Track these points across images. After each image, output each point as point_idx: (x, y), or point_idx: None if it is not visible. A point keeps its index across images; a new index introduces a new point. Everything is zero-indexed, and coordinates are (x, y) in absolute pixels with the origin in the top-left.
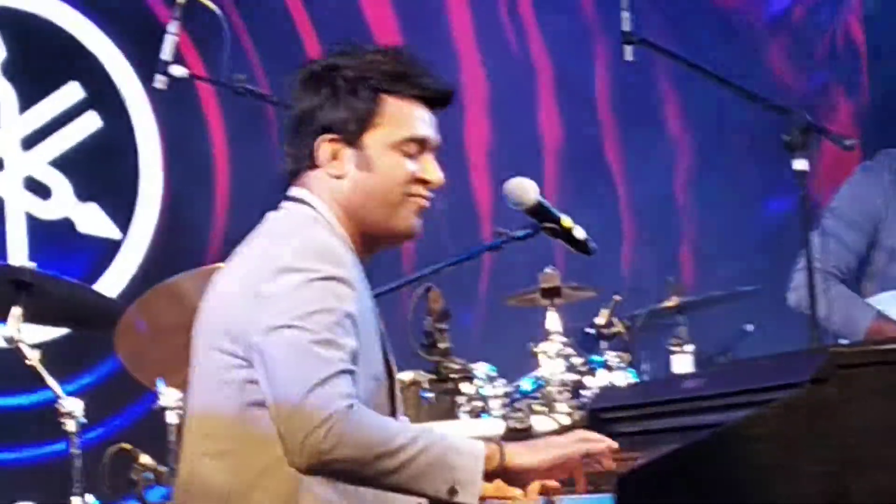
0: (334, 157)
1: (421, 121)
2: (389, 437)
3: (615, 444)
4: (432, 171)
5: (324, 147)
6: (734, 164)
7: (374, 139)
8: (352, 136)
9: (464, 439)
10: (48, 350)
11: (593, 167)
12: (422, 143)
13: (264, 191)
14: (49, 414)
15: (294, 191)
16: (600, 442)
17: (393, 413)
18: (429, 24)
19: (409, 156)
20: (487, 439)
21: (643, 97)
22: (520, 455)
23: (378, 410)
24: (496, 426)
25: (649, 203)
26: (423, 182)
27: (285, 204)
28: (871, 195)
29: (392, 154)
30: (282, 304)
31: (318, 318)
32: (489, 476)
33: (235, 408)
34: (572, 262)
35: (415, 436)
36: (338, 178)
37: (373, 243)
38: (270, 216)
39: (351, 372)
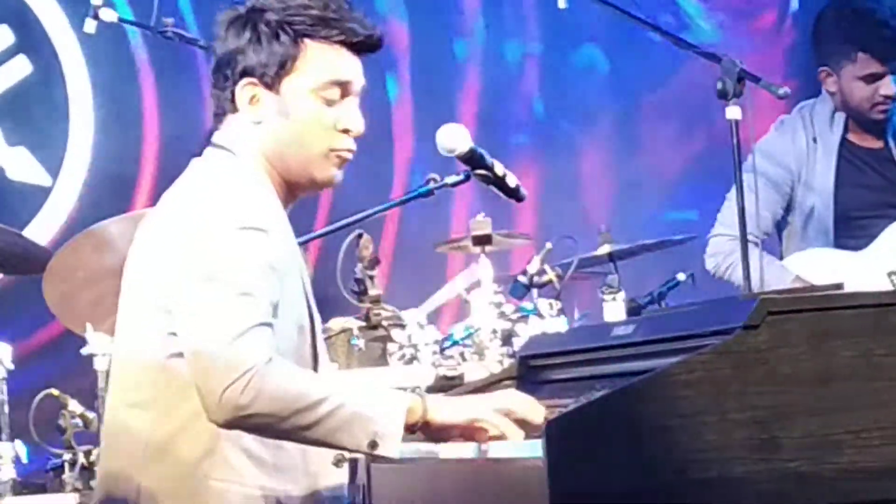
0: (252, 101)
1: (343, 65)
2: (308, 391)
3: (540, 413)
4: (353, 119)
5: (244, 91)
6: (667, 113)
7: (292, 85)
8: (271, 80)
9: (386, 391)
10: None
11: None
12: (343, 87)
13: (194, 137)
14: None
15: (218, 136)
16: (525, 405)
17: (315, 362)
18: None
19: (330, 102)
20: (413, 391)
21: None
22: (442, 410)
23: (301, 360)
24: (427, 374)
25: (582, 150)
26: (345, 131)
27: (209, 151)
28: (784, 156)
29: (310, 100)
30: (203, 257)
31: (238, 270)
32: (411, 429)
33: (158, 358)
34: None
35: (334, 389)
36: (256, 123)
37: (294, 189)
38: (194, 164)
39: (270, 325)
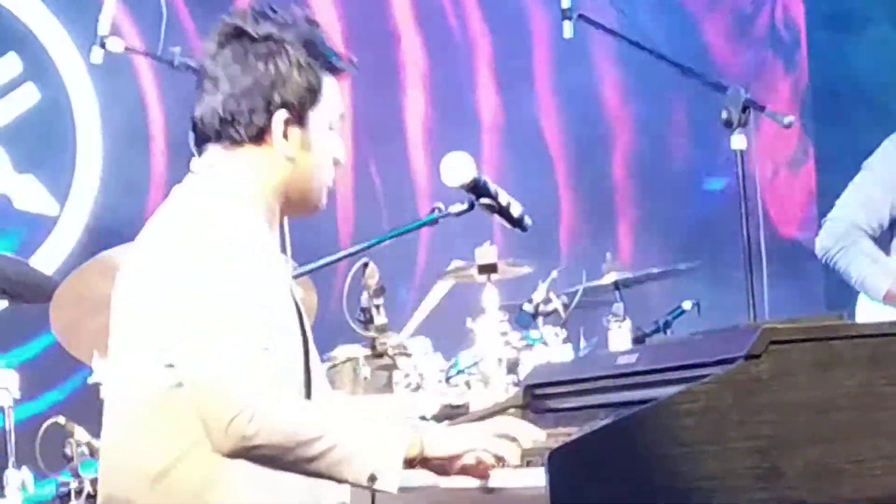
0: (285, 136)
1: (340, 97)
2: (312, 423)
3: (537, 435)
4: (343, 151)
5: (279, 126)
6: (673, 141)
7: (316, 119)
8: (302, 115)
9: (387, 426)
10: None
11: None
12: (341, 119)
13: None
14: None
15: (200, 165)
16: (522, 428)
17: (308, 389)
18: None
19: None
20: (414, 422)
21: (582, 74)
22: (440, 443)
23: (294, 388)
24: (432, 402)
25: (587, 180)
26: (336, 163)
27: (193, 179)
28: None
29: (329, 134)
30: (195, 288)
31: (232, 299)
32: (411, 463)
33: (156, 389)
34: (510, 239)
35: (336, 422)
36: (289, 158)
37: (284, 215)
38: (176, 193)
39: (273, 354)
